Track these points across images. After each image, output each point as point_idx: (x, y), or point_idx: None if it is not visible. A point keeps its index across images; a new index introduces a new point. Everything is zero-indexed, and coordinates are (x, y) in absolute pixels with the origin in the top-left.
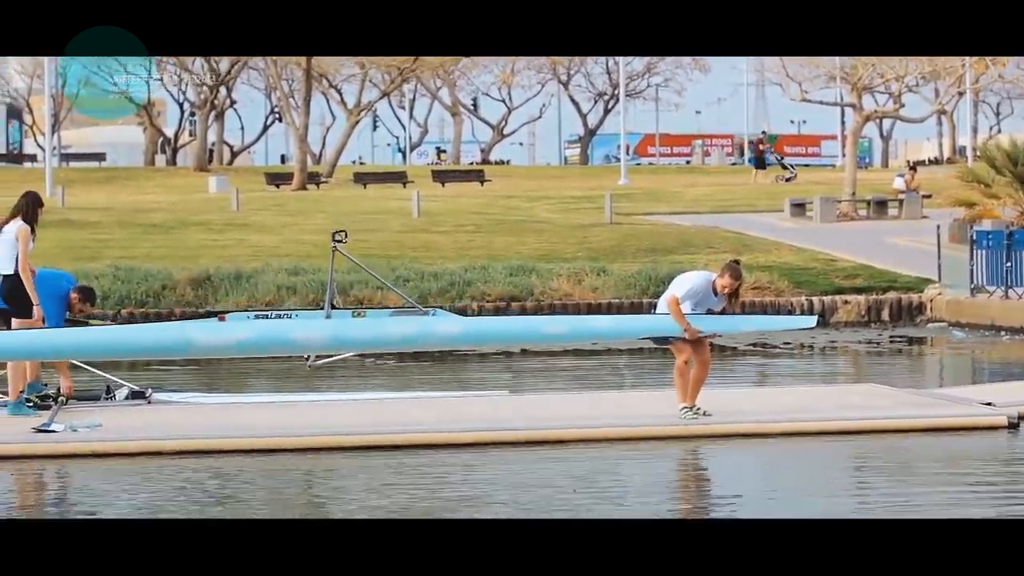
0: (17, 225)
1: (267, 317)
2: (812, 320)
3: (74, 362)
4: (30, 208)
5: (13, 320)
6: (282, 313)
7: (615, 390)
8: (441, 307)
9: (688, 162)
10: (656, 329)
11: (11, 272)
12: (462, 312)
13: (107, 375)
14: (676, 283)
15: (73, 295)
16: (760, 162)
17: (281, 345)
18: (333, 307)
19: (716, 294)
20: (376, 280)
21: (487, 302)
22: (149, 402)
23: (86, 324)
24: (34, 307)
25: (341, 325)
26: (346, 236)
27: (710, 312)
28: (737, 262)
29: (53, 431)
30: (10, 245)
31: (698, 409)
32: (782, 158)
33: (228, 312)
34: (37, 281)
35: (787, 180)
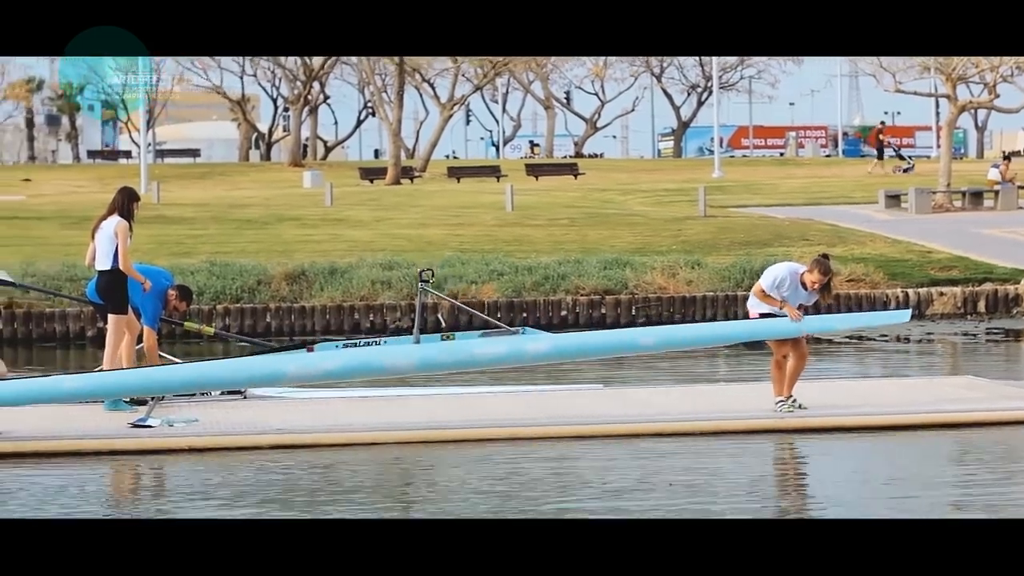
0: (115, 221)
1: (355, 345)
2: (906, 315)
3: (170, 358)
4: (126, 203)
5: (109, 316)
6: (371, 340)
7: (710, 383)
8: (529, 326)
9: (782, 154)
10: (751, 334)
11: (107, 268)
12: (556, 305)
13: None
14: (763, 276)
15: (171, 292)
16: (880, 152)
17: (370, 372)
18: (422, 332)
19: (806, 289)
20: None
21: (581, 295)
22: (245, 397)
23: (180, 324)
24: (144, 283)
25: (430, 349)
26: (433, 275)
27: (802, 307)
28: (826, 256)
29: (150, 426)
30: (108, 241)
31: (794, 402)
32: (899, 149)
33: (316, 341)
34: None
35: (905, 171)
